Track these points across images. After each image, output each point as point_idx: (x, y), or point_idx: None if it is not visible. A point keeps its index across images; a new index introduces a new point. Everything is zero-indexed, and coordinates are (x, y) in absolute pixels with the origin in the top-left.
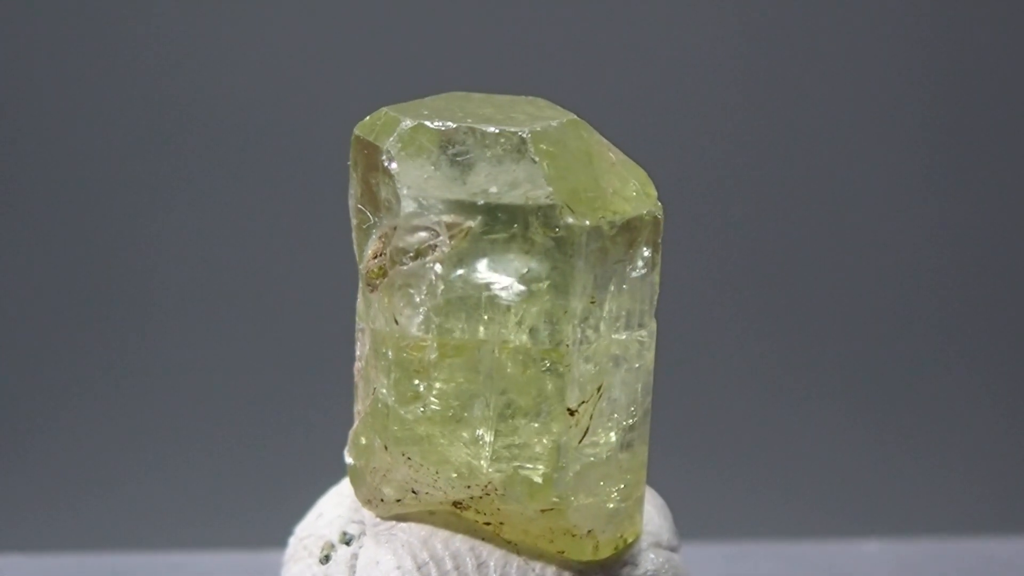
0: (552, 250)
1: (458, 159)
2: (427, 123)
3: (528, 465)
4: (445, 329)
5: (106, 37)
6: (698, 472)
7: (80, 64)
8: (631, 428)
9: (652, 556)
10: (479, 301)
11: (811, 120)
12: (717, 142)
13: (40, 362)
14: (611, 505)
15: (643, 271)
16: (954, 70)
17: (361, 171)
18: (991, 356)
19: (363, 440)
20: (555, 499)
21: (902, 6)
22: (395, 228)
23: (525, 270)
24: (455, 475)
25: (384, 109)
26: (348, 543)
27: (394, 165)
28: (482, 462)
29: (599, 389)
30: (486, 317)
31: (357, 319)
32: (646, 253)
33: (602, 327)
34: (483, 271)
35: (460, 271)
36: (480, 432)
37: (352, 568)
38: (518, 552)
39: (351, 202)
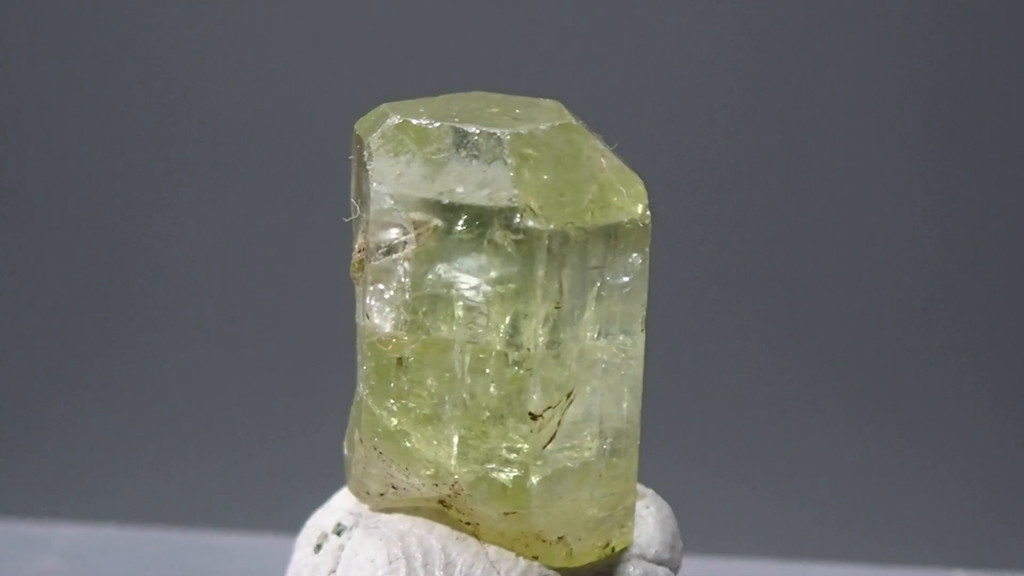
0: (514, 253)
1: (433, 157)
2: (412, 120)
3: (495, 467)
4: (414, 327)
5: (108, 30)
6: (714, 484)
7: (79, 54)
8: (617, 436)
9: (631, 568)
10: (447, 301)
11: (812, 117)
12: (717, 142)
13: (86, 347)
14: (592, 512)
15: (626, 279)
16: (954, 68)
17: (355, 166)
18: None
19: (352, 432)
20: (518, 503)
21: (902, 4)
22: (368, 223)
23: (492, 272)
24: (426, 473)
25: (384, 105)
26: (339, 534)
27: (371, 161)
28: (452, 461)
29: (569, 395)
30: (454, 317)
31: None
32: (630, 261)
33: (573, 332)
34: (451, 271)
35: (429, 269)
36: (448, 432)
37: (337, 559)
38: (487, 555)
39: (351, 195)
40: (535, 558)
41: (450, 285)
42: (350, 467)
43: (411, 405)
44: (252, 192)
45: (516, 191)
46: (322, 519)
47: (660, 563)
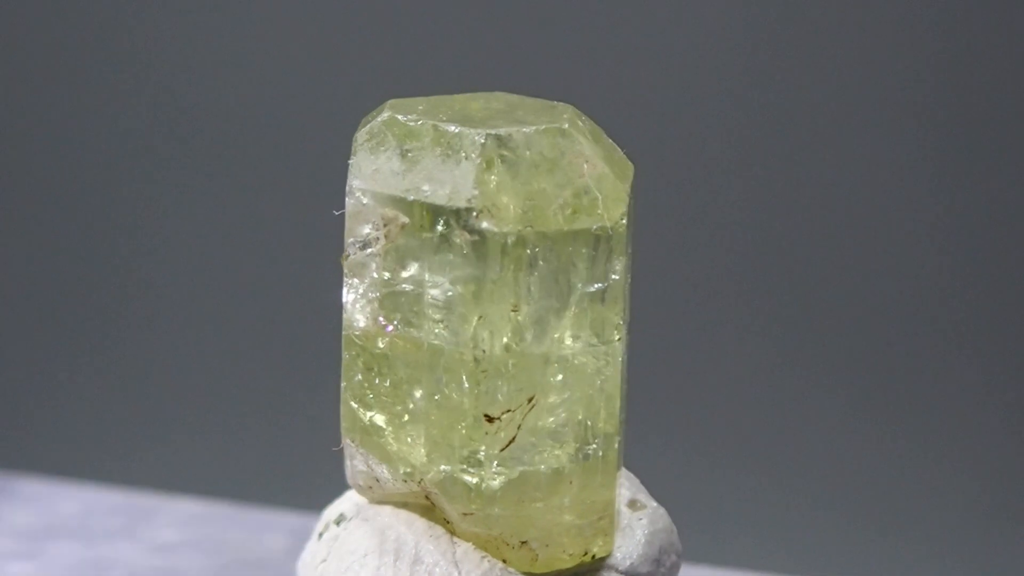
0: (471, 254)
1: (410, 155)
2: (399, 117)
3: (459, 468)
4: (379, 323)
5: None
6: (717, 489)
7: (78, 49)
8: (594, 444)
9: None
10: (416, 299)
11: (813, 115)
12: (719, 137)
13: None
14: (568, 519)
15: (598, 285)
16: (954, 66)
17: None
18: None
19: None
20: (475, 505)
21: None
22: (346, 217)
23: (454, 272)
24: (402, 470)
25: (390, 101)
26: (338, 523)
27: (353, 156)
28: (423, 460)
29: (531, 400)
30: (422, 315)
31: None
32: (603, 267)
33: (539, 337)
34: (420, 269)
35: (399, 267)
36: (418, 430)
37: (331, 548)
38: (454, 554)
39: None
40: (504, 561)
41: (419, 283)
42: (345, 459)
43: (385, 401)
44: (269, 168)
45: (476, 192)
46: (332, 509)
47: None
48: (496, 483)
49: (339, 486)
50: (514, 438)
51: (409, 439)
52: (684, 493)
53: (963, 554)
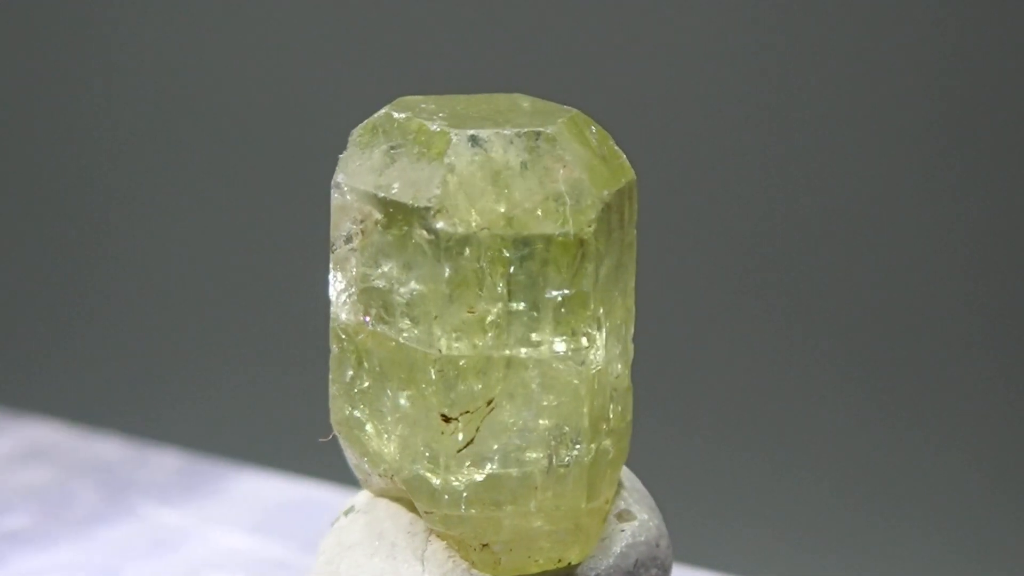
0: (429, 253)
1: (391, 152)
2: (394, 113)
3: (423, 467)
4: (360, 317)
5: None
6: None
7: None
8: (566, 451)
9: None
10: (387, 295)
11: (814, 112)
12: (722, 135)
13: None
14: (538, 525)
15: (564, 292)
16: (955, 65)
17: None
18: None
19: None
20: (435, 505)
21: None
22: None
23: (419, 271)
24: (379, 467)
25: (399, 98)
26: (347, 514)
27: (345, 150)
28: (396, 457)
29: (490, 403)
30: (392, 312)
31: None
32: (571, 273)
33: (501, 339)
34: (389, 267)
35: (374, 263)
36: (391, 427)
37: (336, 537)
38: (423, 552)
39: None
40: (472, 564)
41: (391, 280)
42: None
43: (365, 395)
44: (278, 152)
45: (438, 191)
46: (350, 500)
47: None
48: (459, 485)
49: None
50: (472, 440)
51: (385, 435)
52: (688, 495)
53: (970, 559)
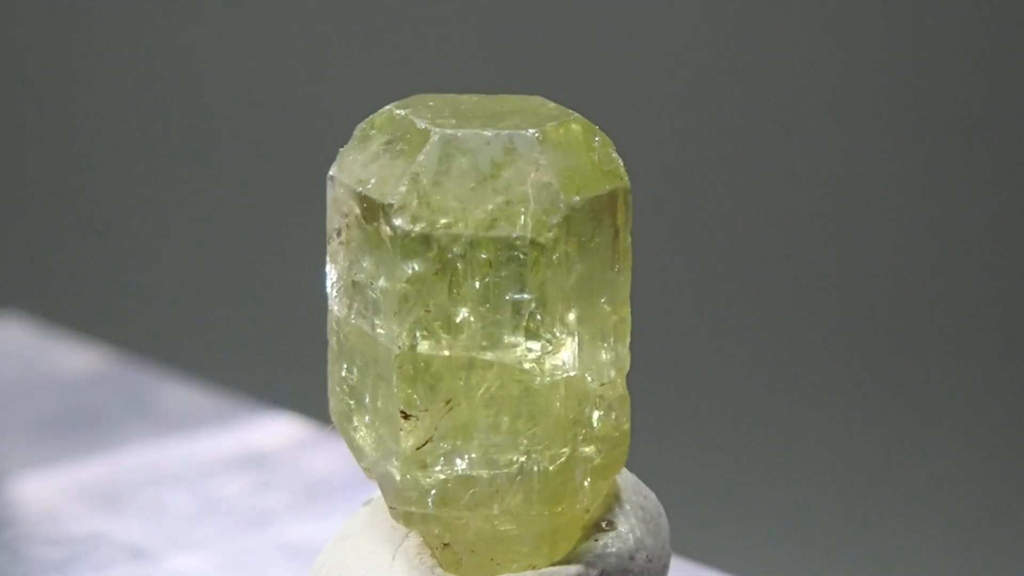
0: (391, 249)
1: (385, 147)
2: (396, 110)
3: (393, 463)
4: (347, 311)
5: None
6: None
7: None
8: (532, 453)
9: None
10: (363, 289)
11: (816, 110)
12: (725, 134)
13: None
14: (506, 529)
15: (523, 295)
16: (955, 66)
17: None
18: None
19: None
20: (396, 502)
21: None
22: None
23: (387, 267)
24: (361, 462)
25: (414, 96)
26: (365, 505)
27: (344, 146)
28: (373, 452)
29: (448, 402)
30: (367, 307)
31: None
32: (531, 277)
33: (463, 340)
34: (367, 262)
35: (356, 258)
36: (369, 421)
37: (346, 526)
38: (403, 547)
39: None
40: (436, 564)
41: (368, 275)
42: None
43: (353, 389)
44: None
45: (402, 189)
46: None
47: None
48: (417, 483)
49: None
50: (431, 439)
51: (364, 430)
52: (688, 495)
53: (971, 557)
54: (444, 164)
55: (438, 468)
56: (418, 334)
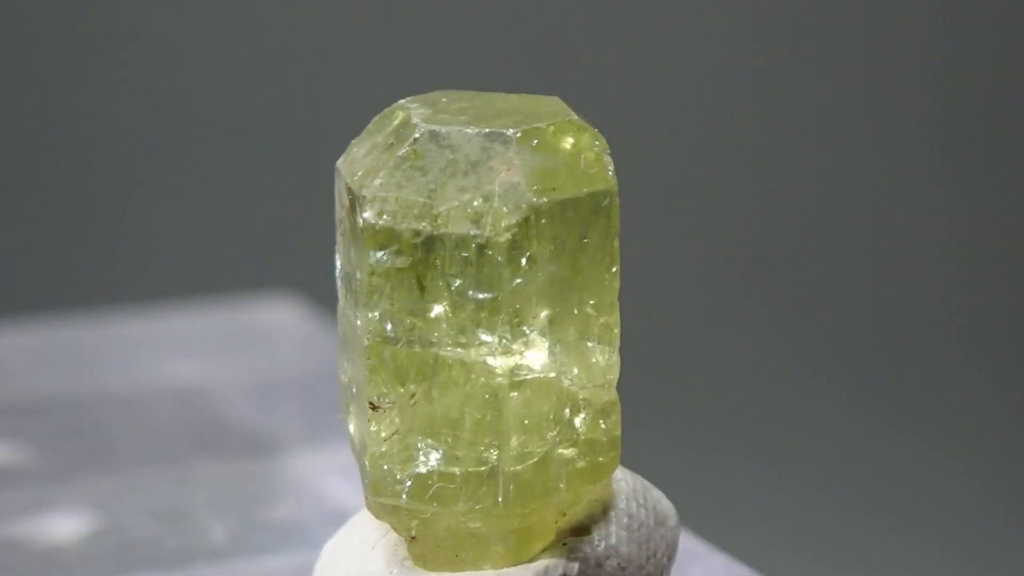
0: (362, 242)
1: (382, 140)
2: (407, 104)
3: (365, 453)
4: (344, 302)
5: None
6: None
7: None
8: (493, 451)
9: None
10: (350, 280)
11: (817, 109)
12: (726, 134)
13: None
14: (475, 527)
15: (485, 294)
16: (954, 67)
17: None
18: None
19: None
20: (365, 492)
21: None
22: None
23: (362, 259)
24: (353, 451)
25: (434, 92)
26: None
27: (355, 138)
28: (357, 444)
29: (412, 396)
30: (355, 299)
31: None
32: (490, 275)
33: (428, 335)
34: (353, 252)
35: (348, 249)
36: (356, 411)
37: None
38: (387, 539)
39: None
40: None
41: (353, 266)
42: None
43: (348, 378)
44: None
45: (377, 182)
46: None
47: None
48: (385, 476)
49: None
50: (396, 432)
51: (353, 421)
52: (690, 495)
53: (970, 552)
54: (423, 159)
55: (408, 462)
56: (388, 327)
